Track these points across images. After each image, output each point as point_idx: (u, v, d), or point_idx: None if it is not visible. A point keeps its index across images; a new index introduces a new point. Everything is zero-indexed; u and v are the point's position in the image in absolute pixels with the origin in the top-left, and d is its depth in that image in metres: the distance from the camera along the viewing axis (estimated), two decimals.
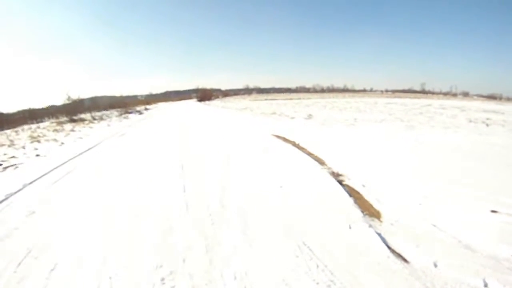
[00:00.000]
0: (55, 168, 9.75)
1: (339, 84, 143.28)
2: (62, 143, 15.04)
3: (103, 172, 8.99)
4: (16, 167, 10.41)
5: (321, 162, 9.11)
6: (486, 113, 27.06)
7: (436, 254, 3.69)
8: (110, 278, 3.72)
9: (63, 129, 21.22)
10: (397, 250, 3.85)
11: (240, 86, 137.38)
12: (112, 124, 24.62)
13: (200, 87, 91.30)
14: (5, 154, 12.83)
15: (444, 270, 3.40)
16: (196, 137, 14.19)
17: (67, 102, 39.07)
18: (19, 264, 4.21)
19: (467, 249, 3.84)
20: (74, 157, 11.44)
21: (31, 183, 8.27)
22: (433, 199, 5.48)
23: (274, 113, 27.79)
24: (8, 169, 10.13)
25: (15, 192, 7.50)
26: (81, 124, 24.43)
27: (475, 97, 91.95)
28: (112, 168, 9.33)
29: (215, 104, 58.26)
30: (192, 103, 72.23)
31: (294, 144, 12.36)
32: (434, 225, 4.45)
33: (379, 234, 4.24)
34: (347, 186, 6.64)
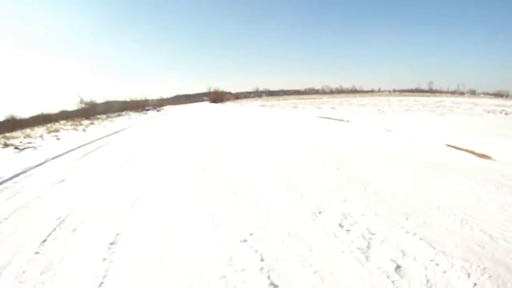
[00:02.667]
0: (80, 147, 8.14)
1: (347, 85, 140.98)
2: (84, 130, 13.40)
3: (136, 149, 7.40)
4: (35, 148, 8.73)
5: (386, 130, 8.40)
6: (499, 106, 26.49)
7: None
8: None
9: (81, 124, 19.59)
10: None
11: (249, 89, 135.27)
12: (133, 118, 23.14)
13: (212, 89, 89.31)
14: (21, 142, 11.18)
15: None
16: (240, 127, 12.44)
17: (80, 105, 37.57)
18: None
19: None
20: (101, 138, 9.85)
21: (54, 158, 6.62)
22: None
23: (295, 107, 26.35)
24: (25, 151, 8.47)
25: (38, 165, 5.87)
26: (99, 120, 22.84)
27: (482, 95, 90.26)
28: (144, 146, 7.79)
29: (230, 105, 56.83)
30: (207, 104, 70.70)
31: (342, 120, 10.97)
32: None
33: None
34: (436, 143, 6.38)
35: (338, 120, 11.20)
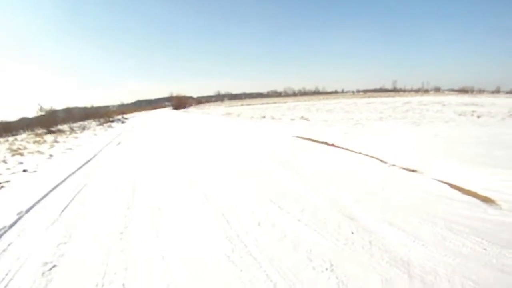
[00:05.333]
0: (55, 187, 7.20)
1: (310, 86, 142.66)
2: (51, 156, 12.19)
3: (123, 194, 6.52)
4: (1, 186, 7.77)
5: (379, 160, 7.94)
6: (467, 106, 28.14)
7: None
8: None
9: (44, 141, 18.17)
10: None
11: (211, 92, 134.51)
12: (99, 134, 21.67)
13: (174, 94, 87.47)
14: None
15: None
16: (216, 148, 11.80)
17: (40, 113, 35.54)
18: None
19: None
20: (74, 172, 8.79)
21: (28, 210, 5.74)
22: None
23: (264, 117, 25.91)
24: None
25: (13, 224, 5.03)
26: (63, 135, 21.31)
27: (446, 92, 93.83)
28: (132, 187, 6.94)
29: (194, 111, 55.46)
30: (169, 111, 68.47)
31: (327, 143, 10.61)
32: None
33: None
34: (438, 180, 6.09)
35: (322, 142, 10.82)
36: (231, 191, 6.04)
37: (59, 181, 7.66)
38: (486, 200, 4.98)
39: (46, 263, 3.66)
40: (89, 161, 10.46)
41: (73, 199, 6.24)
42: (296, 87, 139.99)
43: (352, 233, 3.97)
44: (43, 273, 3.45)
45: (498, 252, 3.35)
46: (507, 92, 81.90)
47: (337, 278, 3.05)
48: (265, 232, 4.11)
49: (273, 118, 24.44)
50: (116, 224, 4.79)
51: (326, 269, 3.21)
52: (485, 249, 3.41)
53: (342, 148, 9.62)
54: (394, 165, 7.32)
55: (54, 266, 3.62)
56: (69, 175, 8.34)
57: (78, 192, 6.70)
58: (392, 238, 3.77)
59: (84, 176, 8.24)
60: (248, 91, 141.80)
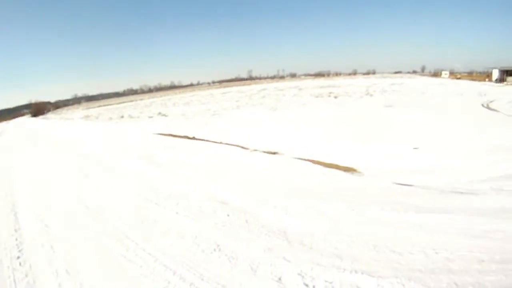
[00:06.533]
0: None
1: (166, 82, 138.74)
2: None
3: None
4: None
5: (241, 147, 8.14)
6: (324, 88, 29.74)
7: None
8: None
9: None
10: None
11: (68, 96, 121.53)
12: None
13: (33, 101, 79.51)
14: None
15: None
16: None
17: None
18: None
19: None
20: None
21: None
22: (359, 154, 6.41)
23: (123, 117, 24.43)
24: None
25: None
26: None
27: (303, 77, 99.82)
28: None
29: (52, 117, 49.39)
30: (28, 119, 59.68)
31: (188, 137, 10.36)
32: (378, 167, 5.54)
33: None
34: (299, 159, 6.47)
35: (183, 137, 10.59)
36: (102, 195, 5.63)
37: None
38: (349, 169, 5.47)
39: None
40: None
41: None
42: (152, 83, 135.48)
43: (228, 215, 4.07)
44: None
45: (364, 209, 3.71)
46: (364, 74, 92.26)
47: (226, 255, 3.18)
48: (149, 229, 4.06)
49: (131, 117, 23.12)
50: None
51: (214, 249, 3.33)
52: (353, 210, 3.73)
53: (203, 140, 9.56)
54: (255, 150, 7.54)
55: None
56: None
57: None
58: (265, 214, 3.93)
59: None
60: (105, 91, 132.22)
